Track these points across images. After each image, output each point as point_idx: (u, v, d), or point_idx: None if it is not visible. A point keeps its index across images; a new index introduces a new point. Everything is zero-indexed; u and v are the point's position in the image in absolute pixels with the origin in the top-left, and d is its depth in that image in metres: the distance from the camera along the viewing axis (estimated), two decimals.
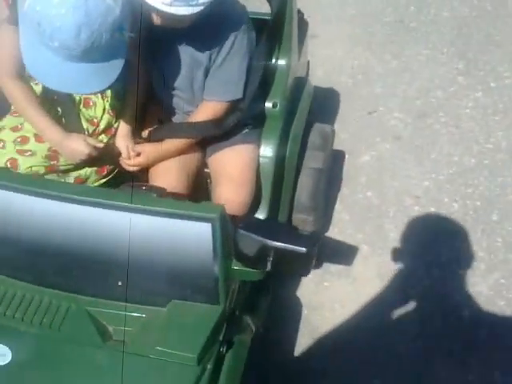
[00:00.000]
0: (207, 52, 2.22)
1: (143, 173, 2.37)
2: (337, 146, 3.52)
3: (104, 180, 2.40)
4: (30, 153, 2.23)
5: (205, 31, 2.16)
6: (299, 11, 2.97)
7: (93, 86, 1.98)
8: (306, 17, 3.08)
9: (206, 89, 2.31)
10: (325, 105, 3.76)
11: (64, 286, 1.88)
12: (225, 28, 2.19)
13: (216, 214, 1.72)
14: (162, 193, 1.96)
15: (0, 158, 2.21)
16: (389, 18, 4.59)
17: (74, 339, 1.79)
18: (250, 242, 1.76)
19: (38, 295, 1.88)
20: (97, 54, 1.85)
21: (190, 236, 1.76)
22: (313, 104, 2.94)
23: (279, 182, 2.52)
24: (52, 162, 2.28)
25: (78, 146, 2.21)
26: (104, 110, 2.35)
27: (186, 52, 2.24)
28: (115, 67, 1.92)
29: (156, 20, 2.05)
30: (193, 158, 2.44)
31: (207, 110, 2.32)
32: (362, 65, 4.19)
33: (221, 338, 1.83)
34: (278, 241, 1.72)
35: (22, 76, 2.17)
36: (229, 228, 1.78)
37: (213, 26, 2.16)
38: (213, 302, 1.82)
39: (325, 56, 4.18)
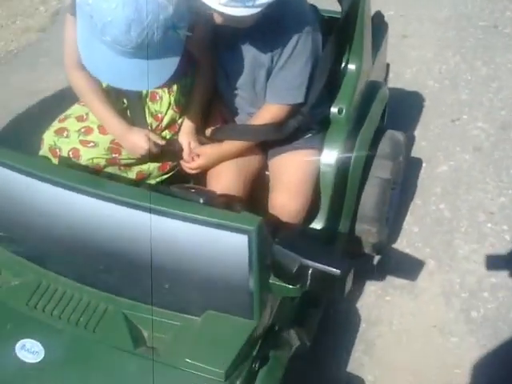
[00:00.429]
0: (269, 53, 2.16)
1: (201, 173, 2.34)
2: (415, 153, 3.43)
3: (166, 176, 2.39)
4: (92, 144, 2.24)
5: (267, 31, 2.10)
6: (379, 13, 2.88)
7: (146, 83, 1.95)
8: (398, 16, 2.97)
9: (267, 91, 2.25)
10: (408, 109, 3.65)
11: (104, 286, 1.88)
12: (288, 28, 2.12)
13: (253, 227, 1.67)
14: (211, 197, 1.93)
15: (63, 147, 2.22)
16: (483, 22, 4.39)
17: (107, 342, 1.78)
18: (287, 258, 1.71)
19: (78, 293, 1.88)
20: (150, 50, 1.82)
21: (227, 247, 1.71)
22: (388, 109, 2.85)
23: (340, 190, 2.44)
24: (114, 155, 2.27)
25: (138, 141, 2.20)
26: (169, 105, 2.33)
27: (248, 52, 2.19)
28: (170, 65, 1.89)
29: (217, 19, 2.01)
30: (252, 161, 2.39)
31: (268, 113, 2.26)
32: (450, 69, 4.04)
33: (254, 353, 1.78)
34: (311, 259, 1.66)
35: None
36: (267, 241, 1.72)
37: (275, 26, 2.09)
38: (247, 316, 1.77)
39: (413, 58, 4.06)
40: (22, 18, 5.23)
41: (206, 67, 2.31)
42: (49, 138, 2.24)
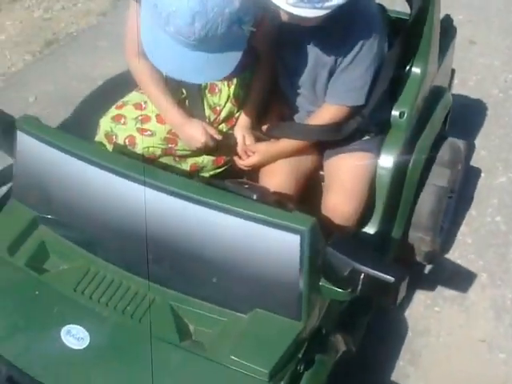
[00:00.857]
0: (333, 53, 2.12)
1: (254, 170, 2.33)
2: (473, 162, 3.35)
3: (219, 170, 2.38)
4: (149, 133, 2.23)
5: (333, 31, 2.07)
6: (448, 17, 2.82)
7: (207, 76, 1.95)
8: (466, 21, 2.91)
9: (328, 91, 2.22)
10: (470, 117, 3.58)
11: (152, 276, 1.85)
12: (354, 30, 2.08)
13: (306, 227, 1.64)
14: (264, 194, 1.90)
15: (119, 134, 2.22)
16: None
17: (153, 332, 1.77)
18: (339, 262, 1.68)
19: (126, 282, 1.87)
20: (213, 44, 1.81)
21: (279, 246, 1.69)
22: (448, 116, 2.79)
23: (396, 195, 2.39)
24: (170, 145, 2.27)
25: (195, 133, 2.18)
26: (228, 98, 2.31)
27: (312, 51, 2.16)
28: (232, 59, 1.88)
29: (283, 17, 1.98)
30: (306, 160, 2.37)
31: (327, 114, 2.23)
32: None
33: (300, 355, 1.76)
34: (365, 265, 1.62)
35: None
36: (319, 243, 1.69)
37: (342, 27, 2.06)
38: (295, 317, 1.74)
39: (480, 65, 3.98)
40: (84, 1, 5.27)
41: (267, 63, 2.29)
42: (105, 123, 2.24)
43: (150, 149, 2.21)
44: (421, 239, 2.60)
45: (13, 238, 1.97)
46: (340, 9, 1.92)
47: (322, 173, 2.42)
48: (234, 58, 1.88)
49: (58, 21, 5.02)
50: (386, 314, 2.64)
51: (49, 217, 2.00)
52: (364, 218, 2.30)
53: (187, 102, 2.32)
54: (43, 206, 2.01)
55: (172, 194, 1.77)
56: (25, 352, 1.76)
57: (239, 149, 2.28)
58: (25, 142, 1.97)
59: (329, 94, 2.23)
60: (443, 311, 2.74)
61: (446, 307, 2.75)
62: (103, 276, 1.89)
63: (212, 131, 2.22)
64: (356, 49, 2.09)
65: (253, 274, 1.75)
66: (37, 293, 1.86)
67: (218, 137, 2.23)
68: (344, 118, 2.23)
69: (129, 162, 1.87)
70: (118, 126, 2.22)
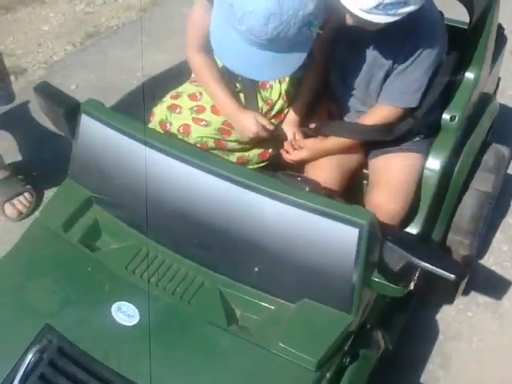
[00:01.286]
0: (392, 56, 2.12)
1: (299, 164, 2.33)
2: (510, 170, 3.32)
3: (263, 164, 2.39)
4: (204, 123, 2.26)
5: (395, 35, 2.06)
6: (500, 26, 2.80)
7: (271, 74, 1.97)
8: (508, 31, 2.90)
9: (382, 92, 2.22)
10: (508, 125, 3.55)
11: (202, 260, 1.88)
12: (416, 34, 2.07)
13: (366, 221, 1.64)
14: (315, 187, 1.90)
15: (174, 122, 2.25)
16: None
17: (201, 315, 1.79)
18: (396, 257, 1.67)
19: (176, 264, 1.89)
20: (281, 44, 1.83)
21: (335, 238, 1.70)
22: (494, 123, 2.78)
23: (440, 197, 2.39)
24: (223, 136, 2.29)
25: (249, 123, 2.22)
26: (280, 94, 2.34)
27: (370, 53, 2.16)
28: (296, 60, 1.89)
29: (349, 21, 1.97)
30: (351, 157, 2.37)
31: (379, 114, 2.23)
32: None
33: (346, 348, 1.76)
34: (426, 261, 1.61)
35: (208, 51, 2.19)
36: (377, 237, 1.69)
37: (403, 31, 2.05)
38: (345, 309, 1.74)
39: None
40: None
41: (320, 62, 2.29)
42: (161, 112, 2.27)
43: (204, 139, 2.24)
44: (459, 242, 2.59)
45: (67, 215, 1.99)
46: (407, 14, 1.92)
47: (365, 171, 2.43)
48: (298, 58, 1.89)
49: (99, 15, 5.09)
50: (417, 314, 2.63)
51: (103, 197, 2.02)
52: (405, 217, 2.29)
53: (242, 95, 2.35)
54: (98, 187, 2.03)
55: (229, 180, 1.78)
56: (76, 325, 1.78)
57: (287, 143, 2.28)
58: (88, 124, 2.00)
59: (383, 94, 2.23)
60: (476, 317, 2.73)
61: (479, 313, 2.74)
62: (154, 257, 1.90)
63: (264, 122, 2.24)
64: (416, 53, 2.09)
65: (305, 264, 1.76)
66: (89, 269, 1.88)
67: (271, 127, 2.25)
68: (396, 119, 2.23)
69: (188, 147, 1.89)
70: (173, 114, 2.26)
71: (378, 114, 2.23)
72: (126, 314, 1.77)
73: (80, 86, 4.08)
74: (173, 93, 2.36)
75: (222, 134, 2.28)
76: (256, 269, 1.82)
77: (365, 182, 2.44)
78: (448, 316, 2.72)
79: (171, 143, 1.88)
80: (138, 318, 1.76)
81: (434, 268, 1.60)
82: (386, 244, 1.66)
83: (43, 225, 2.01)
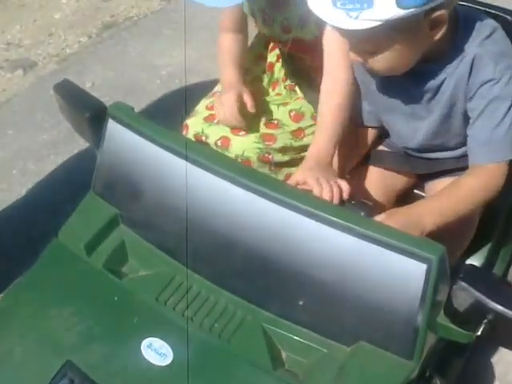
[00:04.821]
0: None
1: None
2: None
3: None
4: (243, 133, 2.24)
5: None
6: None
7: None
8: None
9: (471, 148, 1.99)
10: None
11: (244, 292, 1.83)
12: (494, 63, 1.88)
13: (436, 255, 1.59)
14: (371, 212, 1.86)
15: (211, 135, 2.26)
16: None
17: (242, 356, 1.74)
18: (468, 298, 1.62)
19: (214, 296, 1.84)
20: None
21: (399, 273, 1.64)
22: None
23: (506, 228, 2.35)
24: (266, 144, 2.26)
25: (229, 98, 2.24)
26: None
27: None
28: None
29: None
30: (401, 179, 2.34)
31: (480, 178, 1.95)
32: None
33: None
34: (503, 305, 1.56)
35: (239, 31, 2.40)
36: (446, 274, 1.64)
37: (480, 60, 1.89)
38: (405, 355, 1.68)
39: None
40: None
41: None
42: (196, 124, 2.29)
43: (245, 152, 2.19)
44: None
45: (91, 236, 1.96)
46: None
47: (416, 191, 2.39)
48: None
49: (117, 3, 5.07)
50: (472, 357, 2.57)
51: (131, 215, 1.98)
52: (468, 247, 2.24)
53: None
54: (126, 204, 2.00)
55: (280, 203, 1.74)
56: (100, 363, 1.74)
57: (346, 193, 1.95)
58: (115, 131, 1.96)
59: (475, 150, 1.97)
60: None
61: None
62: (188, 286, 1.86)
63: (248, 101, 2.27)
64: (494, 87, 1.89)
65: (363, 301, 1.71)
66: (115, 298, 1.84)
67: (252, 110, 2.28)
68: (502, 179, 1.95)
69: (234, 163, 1.84)
70: (210, 126, 2.25)
71: (475, 180, 1.95)
72: (157, 352, 1.72)
73: (96, 84, 4.06)
74: (207, 103, 2.36)
75: (265, 140, 2.26)
76: (306, 305, 1.77)
77: None
78: (507, 360, 2.66)
79: (215, 158, 1.85)
80: (172, 357, 1.72)
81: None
82: (460, 283, 1.60)
83: (63, 246, 1.97)
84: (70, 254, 1.95)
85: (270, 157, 2.27)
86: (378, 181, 2.29)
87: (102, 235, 1.97)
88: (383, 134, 2.31)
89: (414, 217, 1.84)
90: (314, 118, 2.35)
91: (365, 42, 1.80)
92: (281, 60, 2.50)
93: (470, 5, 2.30)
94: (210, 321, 1.79)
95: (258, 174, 1.84)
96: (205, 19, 3.68)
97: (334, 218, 1.68)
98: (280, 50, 2.49)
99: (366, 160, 2.32)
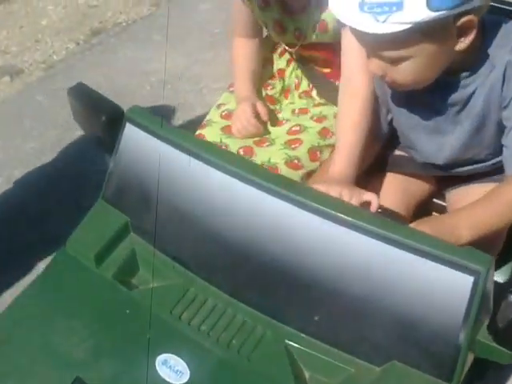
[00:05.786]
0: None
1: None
2: None
3: None
4: (267, 143, 2.14)
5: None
6: None
7: None
8: None
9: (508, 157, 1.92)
10: None
11: (264, 306, 1.72)
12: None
13: (484, 267, 1.49)
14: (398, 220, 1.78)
15: (232, 144, 2.19)
16: None
17: (262, 375, 1.63)
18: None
19: (232, 309, 1.73)
20: None
21: (440, 285, 1.54)
22: None
23: None
24: (293, 147, 2.18)
25: (244, 110, 2.21)
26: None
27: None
28: None
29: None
30: (421, 186, 2.25)
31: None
32: None
33: None
34: None
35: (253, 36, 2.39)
36: (491, 287, 1.54)
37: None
38: (444, 377, 1.56)
39: None
40: None
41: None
42: (213, 134, 2.22)
43: (272, 159, 2.10)
44: None
45: (101, 245, 1.85)
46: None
47: (435, 200, 2.31)
48: None
49: (105, 9, 5.02)
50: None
51: (143, 224, 1.88)
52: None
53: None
54: (139, 211, 1.90)
55: (306, 209, 1.64)
56: (112, 380, 1.63)
57: (373, 207, 1.91)
58: (132, 135, 1.88)
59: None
60: None
61: None
62: (204, 300, 1.75)
63: (263, 111, 2.25)
64: None
65: (397, 317, 1.60)
66: (127, 311, 1.73)
67: (265, 118, 2.26)
68: None
69: (258, 168, 1.75)
70: (230, 136, 2.19)
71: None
72: (173, 369, 1.61)
73: None
74: (222, 111, 2.32)
75: (291, 144, 2.19)
76: (331, 320, 1.67)
77: (434, 213, 2.30)
78: None
79: (238, 162, 1.75)
80: (188, 374, 1.61)
81: None
82: (509, 298, 1.50)
83: (71, 256, 1.87)
84: (79, 264, 1.85)
85: (300, 164, 2.17)
86: (397, 188, 2.20)
87: (112, 244, 1.87)
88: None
89: (448, 227, 1.74)
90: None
91: (390, 48, 1.72)
92: (292, 65, 2.42)
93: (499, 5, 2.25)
94: (228, 336, 1.69)
95: (285, 180, 1.74)
96: (195, 25, 3.62)
97: (368, 225, 1.58)
98: (291, 53, 2.42)
99: (382, 165, 2.23)
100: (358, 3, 1.59)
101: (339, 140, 2.00)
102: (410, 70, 1.75)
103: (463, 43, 1.73)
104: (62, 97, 3.75)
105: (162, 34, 4.53)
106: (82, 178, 3.23)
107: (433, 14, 1.57)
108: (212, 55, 4.12)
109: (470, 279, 1.49)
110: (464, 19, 1.66)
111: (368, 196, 1.86)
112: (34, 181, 3.38)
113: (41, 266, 2.77)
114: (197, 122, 2.50)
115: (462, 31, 1.70)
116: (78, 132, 3.47)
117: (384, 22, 1.58)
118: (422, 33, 1.64)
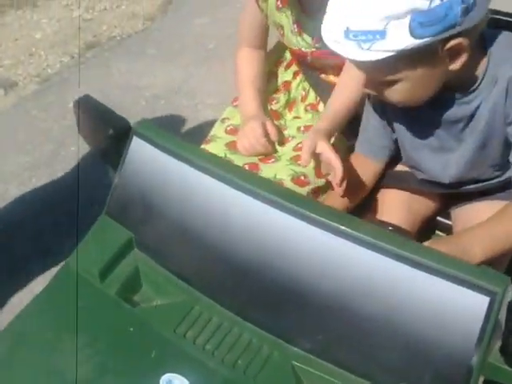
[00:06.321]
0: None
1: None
2: None
3: None
4: (273, 160, 2.12)
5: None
6: None
7: None
8: None
9: None
10: None
11: (271, 325, 1.69)
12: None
13: (500, 288, 1.46)
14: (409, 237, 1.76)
15: (237, 160, 2.16)
16: None
17: None
18: None
19: (237, 328, 1.70)
20: None
21: (453, 306, 1.50)
22: None
23: None
24: (299, 163, 2.13)
25: (254, 129, 2.17)
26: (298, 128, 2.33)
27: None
28: None
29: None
30: (427, 203, 2.24)
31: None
32: None
33: None
34: None
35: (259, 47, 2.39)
36: (505, 308, 1.51)
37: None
38: None
39: None
40: (128, 4, 5.23)
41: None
42: (217, 150, 2.20)
43: (277, 175, 2.09)
44: None
45: (104, 261, 1.83)
46: None
47: (439, 219, 2.30)
48: None
49: (99, 22, 5.01)
50: None
51: (147, 240, 1.86)
52: None
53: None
54: (141, 227, 1.88)
55: (317, 225, 1.61)
56: None
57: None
58: (139, 149, 1.86)
59: None
60: None
61: None
62: (208, 318, 1.72)
63: (272, 131, 2.22)
64: None
65: (409, 338, 1.57)
66: (131, 329, 1.69)
67: (275, 138, 2.23)
68: None
69: (268, 183, 1.72)
70: (235, 152, 2.17)
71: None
72: None
73: None
74: (226, 126, 2.29)
75: (297, 160, 2.15)
76: (341, 341, 1.63)
77: (437, 232, 2.31)
78: None
79: (247, 177, 1.73)
80: None
81: None
82: None
83: (74, 272, 1.84)
84: (82, 280, 1.81)
85: (306, 180, 2.15)
86: (401, 205, 2.19)
87: (115, 260, 1.84)
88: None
89: (462, 246, 1.73)
90: None
91: (378, 73, 1.74)
92: (299, 77, 2.40)
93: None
94: (234, 356, 1.65)
95: (293, 195, 1.71)
96: (190, 39, 3.59)
97: (381, 243, 1.55)
98: (300, 62, 2.40)
99: (387, 181, 2.22)
100: (344, 31, 1.61)
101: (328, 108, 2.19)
102: (402, 90, 1.76)
103: (456, 64, 1.72)
104: (56, 110, 3.76)
105: (156, 48, 4.53)
106: (77, 192, 3.20)
107: (417, 42, 1.58)
108: (205, 70, 4.10)
109: (486, 299, 1.47)
110: (452, 43, 1.66)
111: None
112: (29, 195, 3.34)
113: (39, 280, 2.74)
114: (194, 136, 2.49)
115: (453, 54, 1.70)
116: (73, 146, 3.45)
117: (368, 49, 1.60)
118: (408, 59, 1.65)
